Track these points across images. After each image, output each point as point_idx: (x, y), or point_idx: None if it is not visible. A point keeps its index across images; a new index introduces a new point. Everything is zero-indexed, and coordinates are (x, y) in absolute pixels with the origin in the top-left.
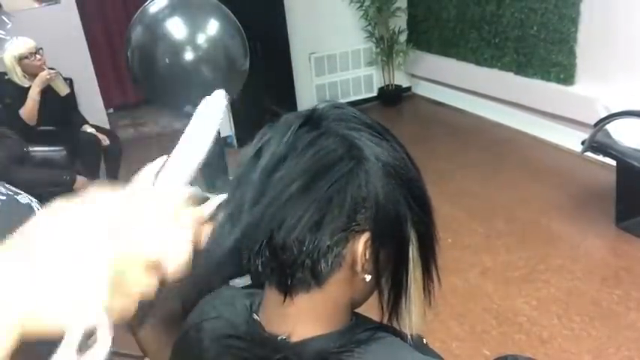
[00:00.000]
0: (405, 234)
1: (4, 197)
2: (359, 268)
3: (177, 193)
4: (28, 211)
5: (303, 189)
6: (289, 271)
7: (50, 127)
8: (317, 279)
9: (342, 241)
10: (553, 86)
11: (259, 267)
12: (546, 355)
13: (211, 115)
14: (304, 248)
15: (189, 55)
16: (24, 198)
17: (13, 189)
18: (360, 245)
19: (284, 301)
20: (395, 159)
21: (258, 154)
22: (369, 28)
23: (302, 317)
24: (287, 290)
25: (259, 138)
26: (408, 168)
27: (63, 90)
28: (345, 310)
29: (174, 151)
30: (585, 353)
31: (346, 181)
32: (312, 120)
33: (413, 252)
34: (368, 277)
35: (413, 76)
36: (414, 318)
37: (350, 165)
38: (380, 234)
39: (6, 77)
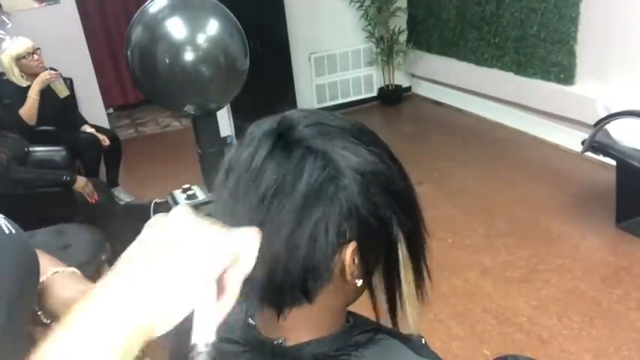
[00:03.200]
0: (391, 236)
1: None
2: (349, 276)
3: None
4: None
5: (292, 231)
6: (279, 291)
7: (50, 127)
8: (307, 296)
9: (330, 255)
10: (553, 86)
11: (250, 291)
12: (546, 355)
13: None
14: (292, 268)
15: (189, 55)
16: None
17: None
18: (348, 255)
19: (278, 318)
20: (373, 164)
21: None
22: (369, 28)
23: (297, 325)
24: (278, 309)
25: (227, 165)
26: (389, 170)
27: (62, 92)
28: (339, 314)
29: None
30: (585, 353)
31: (329, 209)
32: (284, 136)
33: (402, 251)
34: (359, 282)
35: (413, 76)
36: (409, 318)
37: (330, 190)
38: (366, 242)
39: (4, 77)
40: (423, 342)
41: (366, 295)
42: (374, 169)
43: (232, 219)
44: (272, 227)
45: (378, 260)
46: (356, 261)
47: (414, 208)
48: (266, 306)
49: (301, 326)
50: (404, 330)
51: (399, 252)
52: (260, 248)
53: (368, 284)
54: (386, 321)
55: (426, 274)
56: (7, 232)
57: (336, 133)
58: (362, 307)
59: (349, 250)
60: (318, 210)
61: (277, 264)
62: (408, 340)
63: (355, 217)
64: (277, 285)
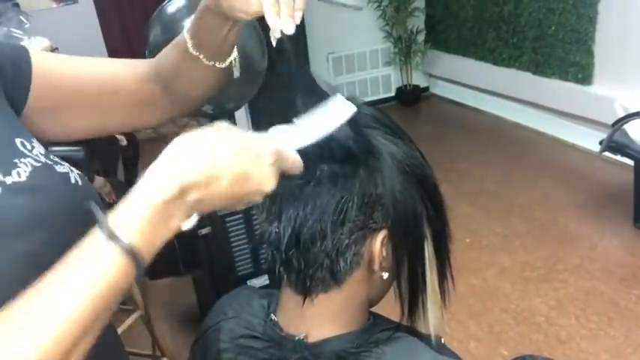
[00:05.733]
0: (421, 231)
1: (39, 164)
2: (376, 266)
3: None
4: (63, 180)
5: (321, 191)
6: (309, 271)
7: None
8: (335, 278)
9: (360, 239)
10: (571, 86)
11: (279, 267)
12: (564, 355)
13: (337, 116)
14: (324, 247)
15: None
16: (63, 168)
17: (56, 159)
18: (378, 243)
19: (303, 302)
20: (410, 157)
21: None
22: (387, 28)
23: (319, 317)
24: (306, 291)
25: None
26: (423, 166)
27: None
28: (362, 310)
29: (299, 122)
30: (603, 353)
31: (363, 180)
32: None
33: (428, 249)
34: (385, 275)
35: (431, 76)
36: (431, 318)
37: (366, 164)
38: (397, 231)
39: None
40: (442, 341)
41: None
42: (411, 162)
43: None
44: (310, 203)
45: (405, 256)
46: (384, 252)
47: (442, 208)
48: (295, 290)
49: (323, 320)
50: (423, 330)
51: (426, 250)
52: (296, 225)
53: (394, 281)
54: (405, 320)
55: (449, 276)
56: (72, 181)
57: (378, 124)
58: (381, 306)
59: (379, 238)
60: (354, 187)
61: (311, 241)
62: (427, 339)
63: (389, 202)
64: (309, 263)
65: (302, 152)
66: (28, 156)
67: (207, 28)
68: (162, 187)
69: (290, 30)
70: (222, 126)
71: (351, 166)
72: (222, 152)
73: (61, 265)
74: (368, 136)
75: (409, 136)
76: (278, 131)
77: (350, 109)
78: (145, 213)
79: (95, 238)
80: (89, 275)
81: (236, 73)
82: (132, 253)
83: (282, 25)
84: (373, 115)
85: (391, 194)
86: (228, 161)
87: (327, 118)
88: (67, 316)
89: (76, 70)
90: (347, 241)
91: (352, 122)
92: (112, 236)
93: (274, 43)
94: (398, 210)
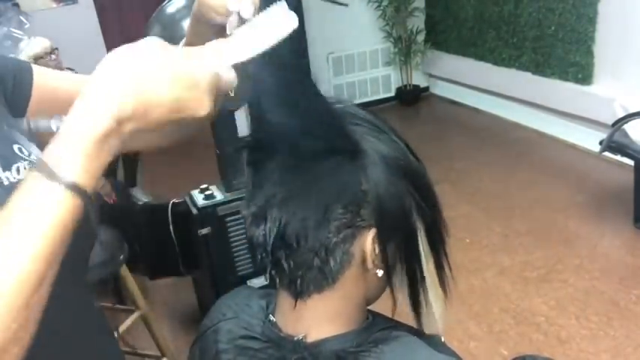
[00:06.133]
0: (411, 226)
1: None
2: (370, 264)
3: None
4: None
5: (305, 189)
6: (299, 272)
7: None
8: (327, 278)
9: (349, 237)
10: (571, 86)
11: (269, 270)
12: (564, 355)
13: (278, 29)
14: (311, 247)
15: None
16: None
17: None
18: (368, 241)
19: (295, 304)
20: (395, 151)
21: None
22: (387, 28)
23: (317, 318)
24: (298, 293)
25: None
26: (409, 160)
27: None
28: (360, 309)
29: (236, 34)
30: (603, 353)
31: (346, 177)
32: None
33: (422, 243)
34: (380, 273)
35: (431, 76)
36: (435, 310)
37: (349, 161)
38: (386, 227)
39: None
40: (442, 340)
41: (384, 296)
42: (396, 156)
43: (260, 190)
44: (293, 204)
45: (399, 252)
46: (376, 250)
47: (433, 200)
48: (288, 291)
49: (322, 320)
50: (428, 330)
51: (420, 244)
52: (281, 226)
53: (389, 279)
54: (409, 320)
55: (447, 269)
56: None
57: (362, 121)
58: (381, 305)
59: (370, 236)
60: (337, 185)
61: (297, 241)
62: (426, 338)
63: (376, 197)
64: (299, 264)
65: (239, 68)
66: (26, 160)
67: (196, 36)
68: (97, 121)
69: (248, 13)
70: (154, 44)
71: (334, 164)
72: (157, 80)
73: (8, 210)
74: (351, 133)
75: (394, 129)
76: (214, 45)
77: (292, 22)
78: (82, 148)
79: (35, 179)
80: (40, 217)
81: (230, 93)
82: (75, 189)
83: (240, 6)
84: (357, 113)
85: (376, 191)
86: (163, 90)
87: (267, 31)
88: (28, 256)
89: (78, 86)
90: (335, 240)
91: (336, 119)
92: (52, 176)
93: (228, 32)
94: (385, 206)
